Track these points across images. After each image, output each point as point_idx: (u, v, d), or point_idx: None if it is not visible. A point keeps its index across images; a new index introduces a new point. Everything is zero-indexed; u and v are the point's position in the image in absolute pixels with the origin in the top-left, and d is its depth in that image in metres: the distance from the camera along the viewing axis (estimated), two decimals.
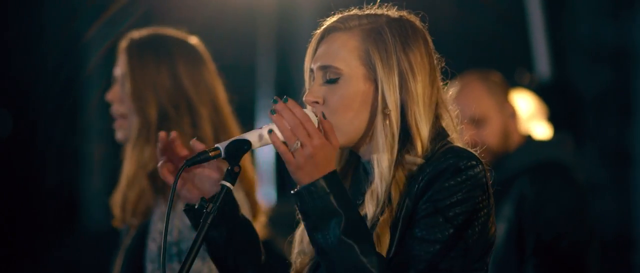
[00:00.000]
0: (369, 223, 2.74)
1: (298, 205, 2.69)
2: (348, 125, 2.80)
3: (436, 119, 2.83)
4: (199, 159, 2.72)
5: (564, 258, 4.80)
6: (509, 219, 4.81)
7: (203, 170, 2.93)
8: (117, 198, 3.90)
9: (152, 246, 3.72)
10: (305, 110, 2.80)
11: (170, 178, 2.94)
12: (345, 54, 2.81)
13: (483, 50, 7.45)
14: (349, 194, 2.70)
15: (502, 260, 4.81)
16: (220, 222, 2.88)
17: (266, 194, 8.99)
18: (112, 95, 3.90)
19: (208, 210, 2.72)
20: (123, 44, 3.91)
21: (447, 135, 2.83)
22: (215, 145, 2.72)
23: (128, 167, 3.84)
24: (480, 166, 2.72)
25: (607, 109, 7.10)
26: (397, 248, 2.70)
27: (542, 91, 6.28)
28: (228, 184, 2.72)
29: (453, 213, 2.68)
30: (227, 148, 2.71)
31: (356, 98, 2.80)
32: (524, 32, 7.48)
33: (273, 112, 2.63)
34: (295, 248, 2.95)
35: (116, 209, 3.91)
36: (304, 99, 2.86)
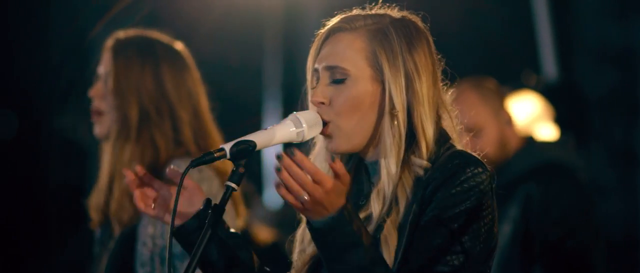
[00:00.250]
0: (374, 223, 2.73)
1: (313, 239, 2.66)
2: (356, 127, 2.79)
3: (438, 119, 2.83)
4: (205, 160, 2.70)
5: (570, 258, 4.79)
6: (514, 220, 4.81)
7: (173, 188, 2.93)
8: (96, 200, 3.92)
9: (144, 250, 3.72)
10: (310, 112, 2.81)
11: (143, 207, 2.93)
12: (352, 55, 2.81)
13: (490, 52, 7.46)
14: (361, 221, 2.67)
15: (508, 261, 4.81)
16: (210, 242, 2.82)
17: (274, 197, 8.99)
18: (95, 91, 3.92)
19: (213, 210, 2.69)
20: (109, 42, 3.94)
21: (449, 137, 2.83)
22: (220, 146, 2.71)
23: (109, 167, 3.86)
24: (485, 173, 2.72)
25: (613, 110, 7.09)
26: (404, 254, 2.70)
27: (548, 92, 6.28)
28: (233, 185, 2.69)
29: (458, 224, 2.67)
30: (232, 149, 2.69)
31: (364, 99, 2.79)
32: (531, 34, 7.48)
33: (279, 169, 2.55)
34: (296, 248, 2.95)
35: (95, 211, 3.92)
36: (310, 99, 2.86)
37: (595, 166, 6.84)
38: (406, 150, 2.77)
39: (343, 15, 2.88)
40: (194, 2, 7.66)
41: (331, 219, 2.58)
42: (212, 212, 2.70)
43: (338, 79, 2.81)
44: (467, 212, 2.68)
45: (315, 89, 2.84)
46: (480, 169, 2.72)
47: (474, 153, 2.78)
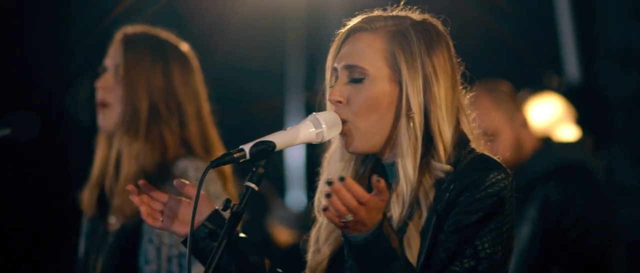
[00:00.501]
0: (394, 226, 2.74)
1: (350, 254, 2.67)
2: (372, 127, 2.80)
3: (457, 123, 2.84)
4: (224, 160, 2.71)
5: (589, 258, 4.79)
6: (533, 221, 4.80)
7: (178, 201, 2.95)
8: (92, 193, 3.92)
9: (149, 247, 3.74)
10: (330, 113, 2.82)
11: (151, 221, 2.94)
12: (371, 55, 2.82)
13: (512, 54, 7.44)
14: (396, 235, 2.67)
15: (527, 262, 4.81)
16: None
17: (296, 198, 9.01)
18: (103, 83, 3.92)
19: (233, 210, 2.71)
20: (118, 36, 3.95)
21: (469, 141, 2.84)
22: (240, 147, 2.71)
23: (114, 160, 3.87)
24: (508, 178, 2.74)
25: (636, 111, 7.05)
26: (427, 258, 2.71)
27: (570, 94, 6.27)
28: (252, 185, 2.70)
29: (482, 230, 2.69)
30: (251, 149, 2.70)
31: (381, 99, 2.80)
32: (553, 36, 7.46)
33: (329, 195, 2.53)
34: (311, 247, 2.96)
35: (88, 204, 3.93)
36: (328, 98, 2.87)
37: (617, 168, 6.81)
38: (424, 153, 2.78)
39: (364, 16, 2.90)
40: (217, 6, 7.69)
41: (370, 235, 2.58)
42: (231, 218, 2.70)
43: (356, 78, 2.82)
44: (490, 217, 2.69)
45: (333, 87, 2.85)
46: (503, 175, 2.73)
47: (495, 158, 2.79)
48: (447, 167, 2.75)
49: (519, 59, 7.37)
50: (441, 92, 2.80)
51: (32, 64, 6.50)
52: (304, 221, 3.78)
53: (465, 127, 2.86)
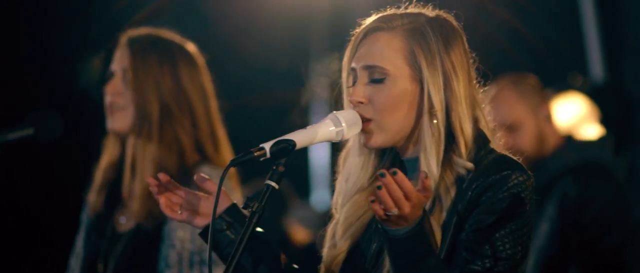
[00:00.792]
0: None
1: (389, 248, 2.68)
2: (396, 125, 2.82)
3: (475, 117, 2.85)
4: (245, 159, 2.71)
5: (606, 257, 4.79)
6: (551, 219, 4.81)
7: (196, 195, 2.97)
8: (99, 196, 3.94)
9: (170, 252, 3.76)
10: (350, 111, 2.84)
11: (170, 213, 2.96)
12: (391, 54, 2.83)
13: (537, 53, 7.43)
14: (432, 229, 2.69)
15: (544, 259, 4.82)
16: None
17: (321, 198, 9.01)
18: (112, 88, 3.91)
19: (253, 209, 2.71)
20: (123, 39, 3.95)
21: (487, 137, 2.85)
22: (260, 145, 2.73)
23: (130, 164, 3.88)
24: (529, 179, 2.75)
25: None
26: (448, 258, 2.73)
27: (594, 94, 6.26)
28: (273, 184, 2.72)
29: (503, 230, 2.70)
30: (272, 147, 2.72)
31: (403, 98, 2.82)
32: (578, 35, 7.44)
33: (379, 187, 2.54)
34: (327, 242, 2.98)
35: (94, 206, 3.95)
36: (348, 99, 2.88)
37: None
38: (446, 149, 2.80)
39: (379, 15, 2.91)
40: (241, 7, 7.72)
41: (411, 230, 2.60)
42: (251, 217, 2.71)
43: (377, 78, 2.83)
44: (511, 218, 2.71)
45: (354, 88, 2.86)
46: (524, 176, 2.74)
47: (516, 158, 2.80)
48: (469, 165, 2.77)
49: (543, 58, 7.35)
50: (461, 87, 2.82)
51: (54, 63, 6.56)
52: (328, 221, 3.80)
53: (482, 121, 2.87)
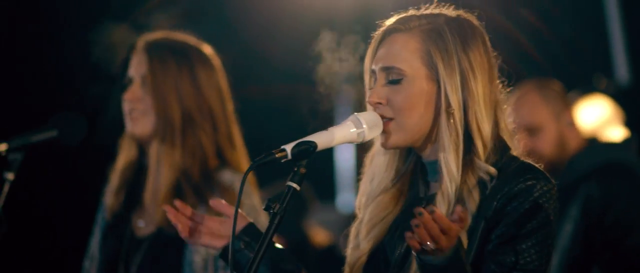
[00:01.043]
0: None
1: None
2: (414, 125, 2.82)
3: (495, 118, 2.85)
4: (266, 160, 2.70)
5: (630, 256, 4.78)
6: (575, 220, 4.80)
7: (213, 219, 3.02)
8: (117, 199, 3.94)
9: (196, 257, 3.76)
10: (371, 113, 2.84)
11: (190, 239, 3.01)
12: (407, 55, 2.84)
13: (562, 55, 7.41)
14: (466, 253, 2.69)
15: (569, 260, 4.81)
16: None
17: (346, 201, 9.02)
18: (131, 94, 3.88)
19: (275, 210, 2.69)
20: (139, 44, 3.93)
21: (509, 146, 2.84)
22: (281, 147, 2.72)
23: (154, 171, 3.88)
24: (553, 189, 2.76)
25: None
26: (474, 263, 2.73)
27: (619, 96, 6.24)
28: (294, 185, 2.70)
29: (529, 241, 2.71)
30: (293, 149, 2.71)
31: (420, 98, 2.82)
32: (603, 38, 7.42)
33: (417, 225, 2.52)
34: (351, 243, 2.98)
35: (111, 209, 3.95)
36: (367, 100, 2.89)
37: None
38: (466, 150, 2.79)
39: (398, 16, 2.91)
40: (266, 10, 7.74)
41: (447, 259, 2.59)
42: (272, 218, 2.69)
43: (394, 79, 2.84)
44: (538, 230, 2.72)
45: (373, 89, 2.87)
46: (549, 185, 2.75)
47: (539, 166, 2.80)
48: (492, 170, 2.77)
49: (568, 60, 7.33)
50: (479, 87, 2.82)
51: (76, 66, 6.59)
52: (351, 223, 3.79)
53: (502, 123, 2.86)
